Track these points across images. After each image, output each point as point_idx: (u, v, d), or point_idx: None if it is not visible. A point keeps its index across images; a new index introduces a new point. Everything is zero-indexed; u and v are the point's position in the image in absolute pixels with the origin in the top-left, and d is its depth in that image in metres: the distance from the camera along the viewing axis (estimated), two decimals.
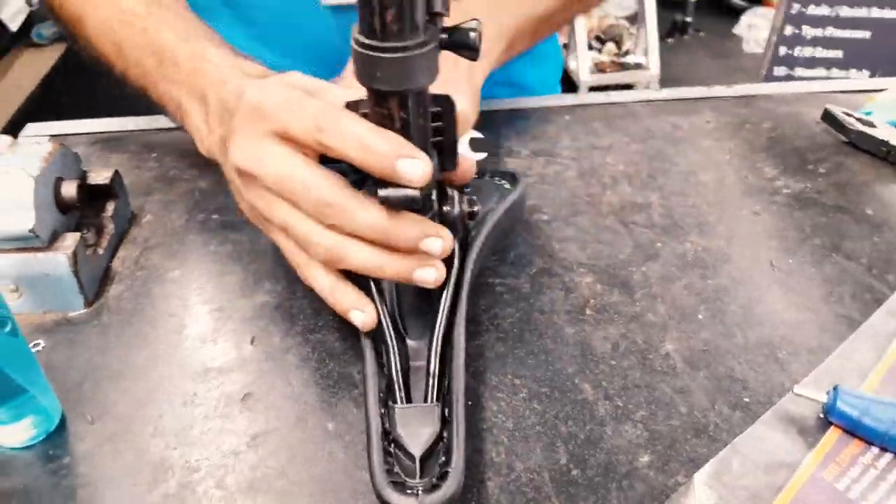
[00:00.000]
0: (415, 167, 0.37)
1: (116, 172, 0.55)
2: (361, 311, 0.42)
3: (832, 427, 0.42)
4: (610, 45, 2.56)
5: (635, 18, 2.55)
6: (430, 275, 0.40)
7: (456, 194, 0.44)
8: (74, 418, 0.43)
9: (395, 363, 0.41)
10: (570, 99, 0.74)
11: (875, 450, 0.42)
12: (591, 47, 2.50)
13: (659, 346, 0.47)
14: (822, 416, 0.43)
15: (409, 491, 0.35)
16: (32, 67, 1.95)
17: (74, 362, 0.47)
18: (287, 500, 0.39)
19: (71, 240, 0.49)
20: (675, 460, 0.41)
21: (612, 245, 0.55)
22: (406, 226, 0.39)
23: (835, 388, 0.42)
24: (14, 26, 1.10)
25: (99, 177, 0.54)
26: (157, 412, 0.43)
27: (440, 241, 0.39)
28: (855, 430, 0.42)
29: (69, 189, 0.50)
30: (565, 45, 2.46)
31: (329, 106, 0.39)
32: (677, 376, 0.46)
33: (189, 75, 0.50)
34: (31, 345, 0.48)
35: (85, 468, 0.41)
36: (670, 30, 3.11)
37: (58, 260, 0.48)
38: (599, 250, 0.55)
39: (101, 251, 0.53)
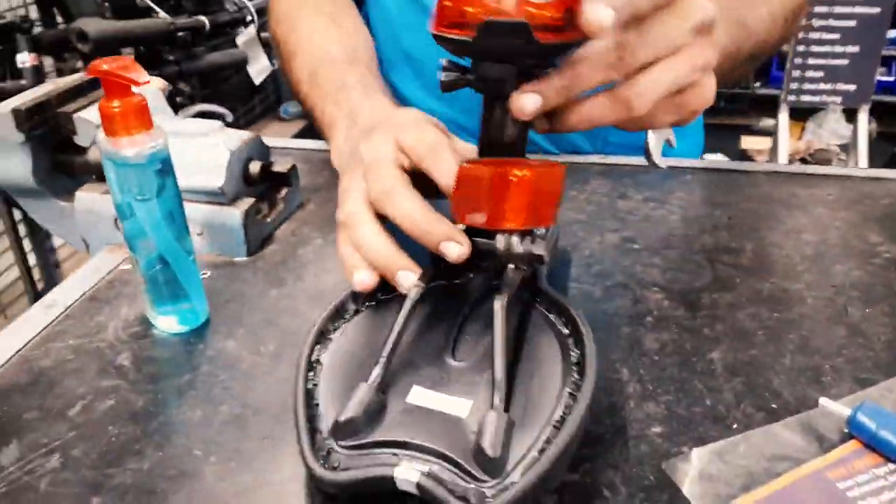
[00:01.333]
0: (452, 250, 0.45)
1: (294, 166, 0.71)
2: (458, 244, 0.45)
3: (853, 440, 0.44)
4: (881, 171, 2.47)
5: (847, 148, 2.47)
6: (452, 250, 0.45)
7: (528, 238, 0.46)
8: (217, 323, 0.56)
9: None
10: (696, 163, 0.80)
11: (892, 466, 0.42)
12: None
13: (705, 354, 0.51)
14: (845, 430, 0.44)
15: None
16: (278, 135, 2.32)
17: (228, 288, 0.60)
18: None
19: (247, 203, 0.64)
20: (686, 436, 0.45)
21: (692, 274, 0.60)
22: (433, 225, 0.45)
23: (862, 403, 0.44)
24: (258, 81, 1.36)
25: (280, 166, 0.70)
26: (279, 330, 0.55)
27: (458, 247, 0.45)
28: (873, 442, 0.43)
29: (255, 167, 0.66)
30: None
31: (396, 183, 0.47)
32: (713, 377, 0.49)
33: (349, 106, 0.64)
34: (202, 272, 0.62)
35: (212, 353, 0.53)
36: (888, 162, 2.94)
37: (233, 214, 0.63)
38: (678, 276, 0.60)
39: (269, 220, 0.67)
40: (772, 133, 2.35)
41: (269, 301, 0.59)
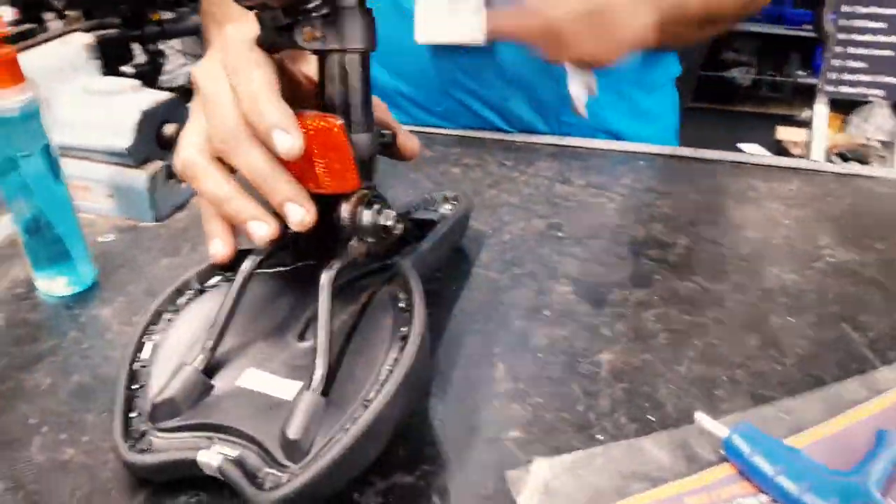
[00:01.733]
0: (294, 213, 0.40)
1: None
2: (301, 208, 0.41)
3: (727, 464, 0.40)
4: (853, 166, 2.36)
5: (891, 145, 2.34)
6: (294, 213, 0.41)
7: (375, 208, 0.43)
8: (101, 289, 0.54)
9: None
10: (652, 148, 0.75)
11: (764, 498, 0.38)
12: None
13: (594, 355, 0.47)
14: (722, 452, 0.40)
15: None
16: None
17: (124, 254, 0.58)
18: None
19: (156, 167, 0.62)
20: (543, 444, 0.41)
21: (609, 268, 0.56)
22: (278, 183, 0.41)
23: (742, 424, 0.40)
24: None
25: None
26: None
27: (301, 211, 0.40)
28: (746, 469, 0.39)
29: (170, 129, 0.63)
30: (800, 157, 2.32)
31: (239, 127, 0.41)
32: (595, 381, 0.45)
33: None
34: (102, 237, 0.60)
35: (85, 320, 0.51)
36: None
37: (139, 177, 0.61)
38: (593, 269, 0.56)
39: (183, 185, 0.65)
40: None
41: (157, 270, 0.56)
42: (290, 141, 0.39)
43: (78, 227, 0.54)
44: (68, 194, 0.53)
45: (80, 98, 0.63)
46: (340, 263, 0.41)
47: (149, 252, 0.59)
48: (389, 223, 0.42)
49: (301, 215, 0.41)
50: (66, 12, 0.88)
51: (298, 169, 0.41)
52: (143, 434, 0.39)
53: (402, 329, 0.41)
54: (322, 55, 0.42)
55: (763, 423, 0.42)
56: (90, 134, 0.61)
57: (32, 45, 0.66)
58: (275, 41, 0.42)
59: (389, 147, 0.47)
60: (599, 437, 0.42)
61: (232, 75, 0.41)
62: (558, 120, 0.79)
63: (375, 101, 0.45)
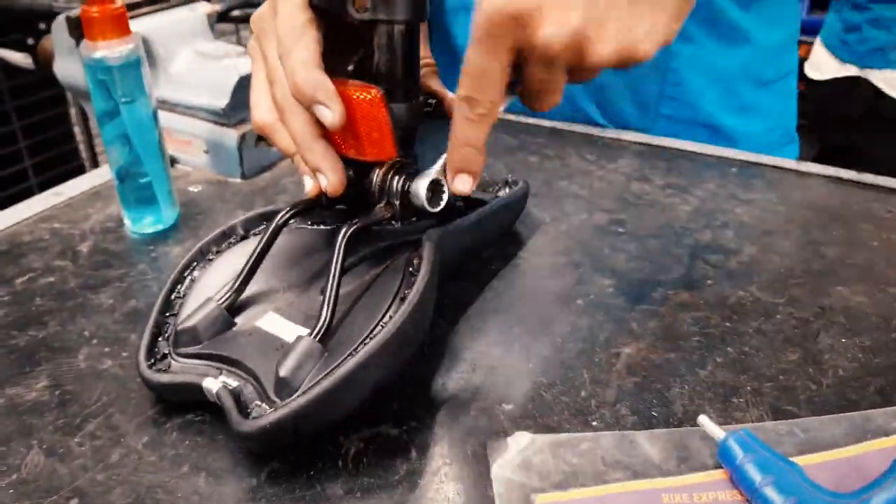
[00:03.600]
0: (308, 184, 0.44)
1: None
2: (324, 178, 0.44)
3: (720, 470, 0.38)
4: None
5: None
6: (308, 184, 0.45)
7: (405, 175, 0.45)
8: (178, 231, 0.60)
9: None
10: (760, 158, 0.71)
11: None
12: None
13: (616, 347, 0.46)
14: (717, 459, 0.38)
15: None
16: None
17: (208, 203, 0.64)
18: None
19: (246, 128, 0.66)
20: (534, 422, 0.41)
21: (661, 267, 0.54)
22: (312, 152, 0.44)
23: (742, 430, 0.38)
24: None
25: None
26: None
27: (328, 180, 0.44)
28: (735, 476, 0.36)
29: None
30: None
31: (286, 96, 0.44)
32: (607, 371, 0.44)
33: None
34: (193, 187, 0.66)
35: (155, 255, 0.56)
36: None
37: (231, 135, 0.66)
38: (642, 266, 0.54)
39: (273, 149, 0.69)
40: None
41: (231, 220, 0.61)
42: (330, 115, 0.42)
43: (166, 174, 0.60)
44: (161, 144, 0.59)
45: (191, 59, 0.69)
46: (361, 223, 0.43)
47: (227, 204, 0.63)
48: (416, 194, 0.44)
49: (326, 183, 0.44)
50: None
51: (341, 135, 0.44)
52: (164, 356, 0.42)
53: (406, 291, 0.42)
54: (371, 24, 0.44)
55: (773, 437, 0.39)
56: (195, 92, 0.67)
57: (161, 9, 0.73)
58: (330, 4, 0.44)
59: (435, 111, 0.49)
60: (595, 423, 0.41)
61: (280, 44, 0.44)
62: (657, 113, 0.76)
63: (425, 65, 0.47)
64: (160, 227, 0.60)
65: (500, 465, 0.38)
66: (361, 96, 0.42)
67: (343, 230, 0.42)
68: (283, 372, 0.37)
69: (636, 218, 0.60)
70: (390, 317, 0.40)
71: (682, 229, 0.59)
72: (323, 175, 0.44)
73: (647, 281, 0.52)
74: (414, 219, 0.47)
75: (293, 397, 0.37)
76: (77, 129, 1.57)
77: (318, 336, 0.39)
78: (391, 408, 0.42)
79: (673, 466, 0.38)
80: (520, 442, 0.39)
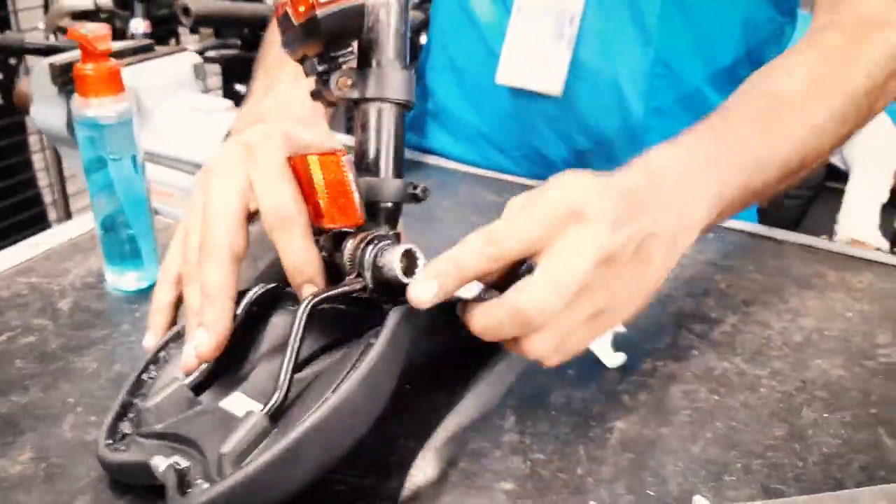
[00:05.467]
0: (305, 291, 0.44)
1: None
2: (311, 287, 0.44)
3: None
4: None
5: None
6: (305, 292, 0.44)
7: (378, 247, 0.43)
8: None
9: None
10: (734, 224, 0.73)
11: None
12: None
13: (609, 421, 0.47)
14: None
15: None
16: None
17: None
18: None
19: None
20: (533, 500, 0.41)
21: (648, 336, 0.55)
22: (206, 306, 0.43)
23: None
24: None
25: None
26: None
27: (195, 346, 0.42)
28: None
29: None
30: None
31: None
32: (603, 447, 0.45)
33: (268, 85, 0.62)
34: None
35: (140, 315, 0.55)
36: None
37: None
38: (630, 338, 0.54)
39: None
40: None
41: None
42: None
43: (151, 228, 0.59)
44: (147, 199, 0.58)
45: (177, 112, 0.68)
46: (325, 294, 0.42)
47: None
48: (387, 266, 0.42)
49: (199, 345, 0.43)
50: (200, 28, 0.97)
51: (312, 204, 0.44)
52: (125, 436, 0.41)
53: (359, 364, 0.40)
54: (354, 104, 0.45)
55: None
56: (181, 144, 0.66)
57: (149, 59, 0.72)
58: (319, 90, 0.45)
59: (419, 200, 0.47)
60: (592, 502, 0.41)
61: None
62: None
63: None
64: (144, 284, 0.59)
65: None
66: (325, 154, 0.42)
67: (304, 302, 0.41)
68: (224, 448, 0.36)
69: None
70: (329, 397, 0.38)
71: (665, 297, 0.60)
72: (309, 286, 0.43)
73: (635, 351, 0.53)
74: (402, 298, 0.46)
75: (229, 475, 0.35)
76: (43, 174, 1.54)
77: (270, 412, 0.38)
78: (390, 487, 0.41)
79: None
80: None
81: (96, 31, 0.52)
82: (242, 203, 0.46)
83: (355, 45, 0.45)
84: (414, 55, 0.58)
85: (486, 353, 0.52)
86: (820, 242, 0.69)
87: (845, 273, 0.65)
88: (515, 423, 0.46)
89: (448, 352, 0.51)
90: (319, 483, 0.37)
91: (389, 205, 0.45)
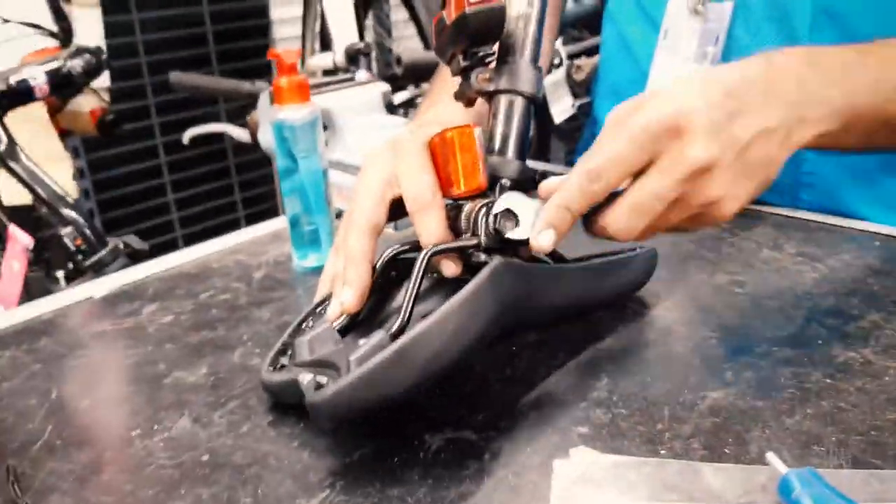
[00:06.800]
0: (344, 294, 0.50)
1: None
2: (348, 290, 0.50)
3: None
4: None
5: None
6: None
7: (494, 213, 0.49)
8: None
9: None
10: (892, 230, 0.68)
11: None
12: None
13: (703, 390, 0.47)
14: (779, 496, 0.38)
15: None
16: None
17: None
18: None
19: None
20: (605, 445, 0.43)
21: (770, 325, 0.54)
22: (348, 267, 0.51)
23: (807, 469, 0.38)
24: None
25: None
26: None
27: (340, 300, 0.50)
28: None
29: None
30: None
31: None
32: (688, 410, 0.46)
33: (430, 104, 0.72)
34: None
35: (311, 284, 0.66)
36: None
37: None
38: (750, 322, 0.54)
39: None
40: None
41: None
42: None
43: (330, 222, 0.70)
44: (328, 197, 0.69)
45: (362, 129, 0.80)
46: (444, 246, 0.49)
47: (379, 248, 0.72)
48: (501, 226, 0.48)
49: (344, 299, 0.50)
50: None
51: (445, 175, 0.51)
52: (283, 367, 0.50)
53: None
54: (489, 96, 0.52)
55: (846, 484, 0.39)
56: (361, 155, 0.78)
57: (347, 87, 0.86)
58: (462, 91, 0.53)
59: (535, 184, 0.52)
60: (663, 452, 0.42)
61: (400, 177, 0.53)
62: (796, 197, 0.76)
63: None
64: (321, 263, 0.70)
65: (559, 479, 0.41)
66: (457, 128, 0.49)
67: (426, 250, 0.48)
68: (352, 356, 0.42)
69: (758, 281, 0.61)
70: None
71: (804, 293, 0.58)
72: (348, 289, 0.50)
73: (753, 336, 0.53)
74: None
75: (350, 373, 0.41)
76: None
77: (392, 333, 0.44)
78: (476, 418, 0.46)
79: (729, 498, 0.39)
80: (583, 457, 0.42)
81: (291, 54, 0.65)
82: (384, 188, 0.54)
83: (496, 47, 0.52)
84: None
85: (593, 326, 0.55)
86: None
87: None
88: (607, 383, 0.49)
89: (557, 319, 0.55)
90: (417, 406, 0.45)
91: (508, 182, 0.51)
